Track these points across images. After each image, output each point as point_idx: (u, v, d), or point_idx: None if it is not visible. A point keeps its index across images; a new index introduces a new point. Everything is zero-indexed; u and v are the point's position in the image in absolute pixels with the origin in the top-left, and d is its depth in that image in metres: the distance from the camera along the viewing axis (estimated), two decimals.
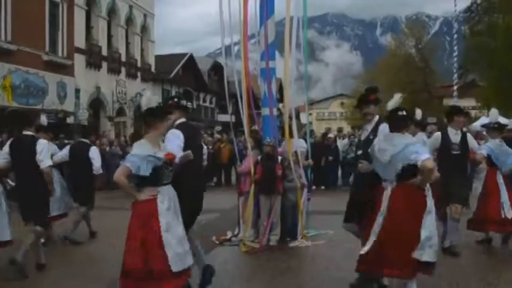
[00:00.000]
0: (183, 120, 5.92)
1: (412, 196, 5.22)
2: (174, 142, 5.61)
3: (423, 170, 5.05)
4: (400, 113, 5.40)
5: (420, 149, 5.27)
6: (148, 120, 5.09)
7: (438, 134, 7.93)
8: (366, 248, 5.31)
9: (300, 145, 8.99)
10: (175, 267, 4.92)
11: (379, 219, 5.29)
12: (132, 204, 5.03)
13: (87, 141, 9.53)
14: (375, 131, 5.87)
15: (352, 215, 6.02)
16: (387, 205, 5.27)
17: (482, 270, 7.00)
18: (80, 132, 9.78)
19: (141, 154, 4.89)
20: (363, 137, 6.12)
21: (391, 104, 5.44)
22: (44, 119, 9.14)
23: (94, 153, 9.22)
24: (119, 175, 4.86)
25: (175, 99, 6.11)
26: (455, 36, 31.92)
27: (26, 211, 6.99)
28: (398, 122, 5.37)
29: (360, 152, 6.07)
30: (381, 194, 5.39)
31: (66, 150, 9.21)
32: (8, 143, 7.13)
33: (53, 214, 8.33)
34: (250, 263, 7.69)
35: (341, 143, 18.95)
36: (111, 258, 7.80)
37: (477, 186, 8.39)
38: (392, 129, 5.41)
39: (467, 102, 40.57)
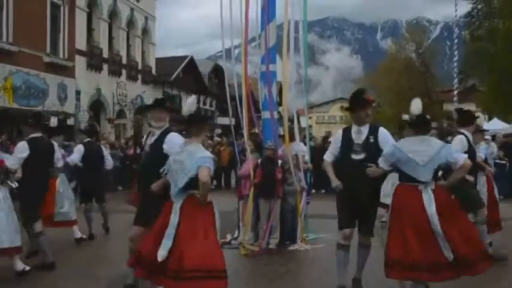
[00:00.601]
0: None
1: (449, 195, 5.56)
2: None
3: (464, 168, 5.43)
4: (427, 117, 5.69)
5: (456, 149, 5.92)
6: (200, 125, 5.18)
7: (463, 137, 7.19)
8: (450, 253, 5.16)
9: (300, 149, 9.02)
10: None
11: (434, 221, 5.23)
12: (194, 206, 4.96)
13: (92, 140, 9.67)
14: (374, 134, 5.83)
15: (353, 221, 5.89)
16: (435, 207, 5.28)
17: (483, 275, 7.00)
18: (85, 133, 9.88)
19: (211, 156, 5.02)
20: (358, 141, 5.83)
21: (417, 109, 5.62)
22: (54, 121, 9.29)
23: (106, 151, 9.48)
24: (208, 175, 4.88)
25: (169, 103, 6.26)
26: (456, 41, 31.94)
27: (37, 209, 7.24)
28: (426, 126, 5.63)
29: (360, 157, 5.77)
30: (409, 195, 5.42)
31: (80, 153, 9.28)
32: (26, 146, 7.05)
33: (73, 218, 8.77)
34: (250, 266, 7.70)
35: None
36: (110, 258, 7.83)
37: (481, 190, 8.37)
38: (419, 132, 5.56)
39: (468, 107, 40.55)
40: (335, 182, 5.91)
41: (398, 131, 9.30)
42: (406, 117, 9.01)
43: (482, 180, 8.30)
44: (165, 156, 5.44)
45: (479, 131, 8.37)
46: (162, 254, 4.79)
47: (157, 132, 5.76)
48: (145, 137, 6.10)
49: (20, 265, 6.67)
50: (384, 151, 5.67)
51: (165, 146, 5.58)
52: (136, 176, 6.04)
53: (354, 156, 5.81)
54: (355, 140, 5.85)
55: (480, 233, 7.45)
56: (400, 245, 5.32)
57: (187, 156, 4.94)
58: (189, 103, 5.25)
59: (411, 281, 5.48)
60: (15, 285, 6.53)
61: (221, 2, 9.04)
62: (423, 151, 5.40)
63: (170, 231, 4.86)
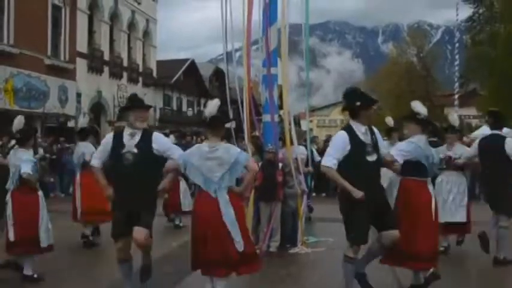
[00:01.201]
0: None
1: None
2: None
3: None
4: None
5: None
6: (219, 127, 5.53)
7: None
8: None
9: (300, 152, 9.01)
10: None
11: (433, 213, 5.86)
12: (236, 198, 5.46)
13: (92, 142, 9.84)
14: (373, 133, 5.69)
15: (368, 233, 5.56)
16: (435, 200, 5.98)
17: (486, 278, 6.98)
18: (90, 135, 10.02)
19: None
20: (368, 141, 5.53)
21: (424, 110, 6.00)
22: (83, 121, 9.60)
23: None
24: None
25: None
26: (457, 45, 31.95)
27: None
28: (429, 126, 6.26)
29: (374, 158, 5.50)
30: (421, 189, 5.92)
31: None
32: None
33: None
34: None
35: None
36: (112, 260, 7.78)
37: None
38: (426, 132, 6.07)
39: (468, 111, 40.55)
40: (357, 193, 5.27)
41: (386, 134, 9.30)
42: (391, 121, 9.23)
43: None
44: (154, 156, 5.62)
45: (455, 132, 8.33)
46: (240, 246, 5.22)
47: (139, 133, 5.64)
48: (111, 137, 5.78)
49: (29, 270, 6.62)
50: (401, 147, 5.92)
51: (154, 146, 5.61)
52: (118, 178, 5.66)
53: (369, 158, 5.49)
54: (365, 141, 5.51)
55: (502, 237, 7.46)
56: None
57: (224, 152, 5.39)
58: (211, 105, 5.58)
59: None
60: (17, 287, 6.52)
61: (223, 5, 9.01)
62: (430, 149, 5.93)
63: (233, 224, 5.25)
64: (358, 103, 5.61)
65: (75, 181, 9.27)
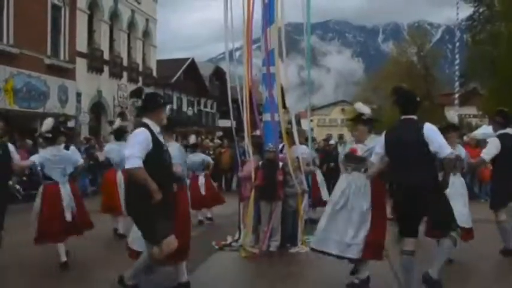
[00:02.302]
0: None
1: None
2: None
3: None
4: None
5: None
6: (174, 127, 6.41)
7: None
8: None
9: (302, 151, 9.00)
10: None
11: None
12: None
13: None
14: None
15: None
16: None
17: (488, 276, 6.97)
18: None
19: None
20: None
21: (368, 111, 6.34)
22: (117, 123, 10.20)
23: None
24: None
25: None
26: (457, 44, 31.89)
27: None
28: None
29: None
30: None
31: None
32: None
33: None
34: (250, 269, 7.67)
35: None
36: (113, 261, 7.78)
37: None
38: (371, 133, 6.41)
39: (469, 111, 40.55)
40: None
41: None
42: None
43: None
44: None
45: (455, 130, 8.17)
46: None
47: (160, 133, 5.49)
48: (148, 133, 5.20)
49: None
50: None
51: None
52: (162, 178, 5.17)
53: None
54: None
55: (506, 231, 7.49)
56: None
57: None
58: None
59: None
60: (17, 286, 6.51)
61: (225, 3, 9.00)
62: None
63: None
64: (418, 99, 5.74)
65: (115, 178, 9.54)
